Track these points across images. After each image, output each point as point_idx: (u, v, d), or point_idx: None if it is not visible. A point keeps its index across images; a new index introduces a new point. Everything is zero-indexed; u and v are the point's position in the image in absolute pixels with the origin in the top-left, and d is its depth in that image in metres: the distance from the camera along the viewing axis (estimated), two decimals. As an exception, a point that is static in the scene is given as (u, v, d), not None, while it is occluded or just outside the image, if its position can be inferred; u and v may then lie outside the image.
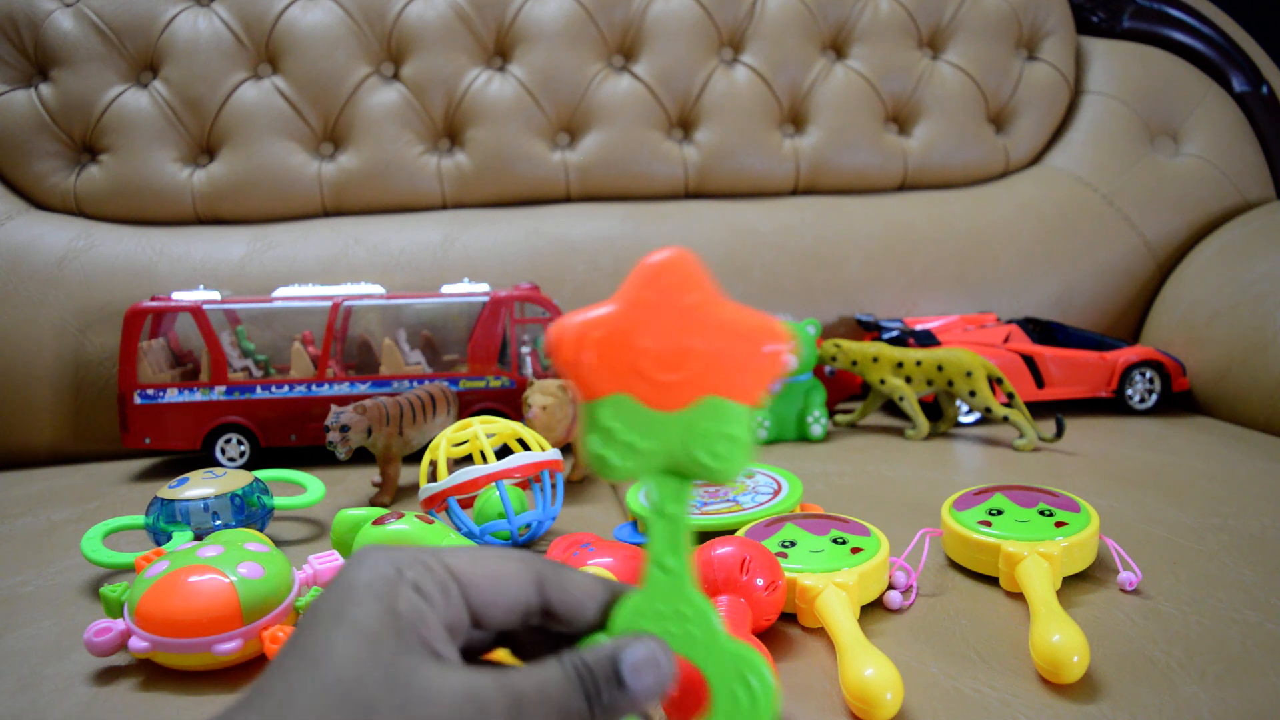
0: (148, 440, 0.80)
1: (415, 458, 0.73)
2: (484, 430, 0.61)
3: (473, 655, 0.25)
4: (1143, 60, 1.13)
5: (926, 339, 0.90)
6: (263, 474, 0.63)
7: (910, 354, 0.81)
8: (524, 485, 0.62)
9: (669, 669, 0.25)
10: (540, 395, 0.68)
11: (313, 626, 0.22)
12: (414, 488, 0.71)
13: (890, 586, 0.47)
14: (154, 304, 0.80)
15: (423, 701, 0.21)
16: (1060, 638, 0.39)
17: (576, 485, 0.72)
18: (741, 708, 0.25)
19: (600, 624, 0.26)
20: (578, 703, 0.23)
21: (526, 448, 0.62)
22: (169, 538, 0.55)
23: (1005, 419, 0.77)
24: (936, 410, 0.84)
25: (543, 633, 0.26)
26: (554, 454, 0.59)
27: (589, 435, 0.26)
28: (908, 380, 0.81)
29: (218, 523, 0.56)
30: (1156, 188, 1.07)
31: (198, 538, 0.53)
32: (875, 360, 0.82)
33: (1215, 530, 0.55)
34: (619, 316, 0.26)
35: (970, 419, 0.84)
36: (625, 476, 0.26)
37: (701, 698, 0.26)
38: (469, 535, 0.55)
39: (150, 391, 0.79)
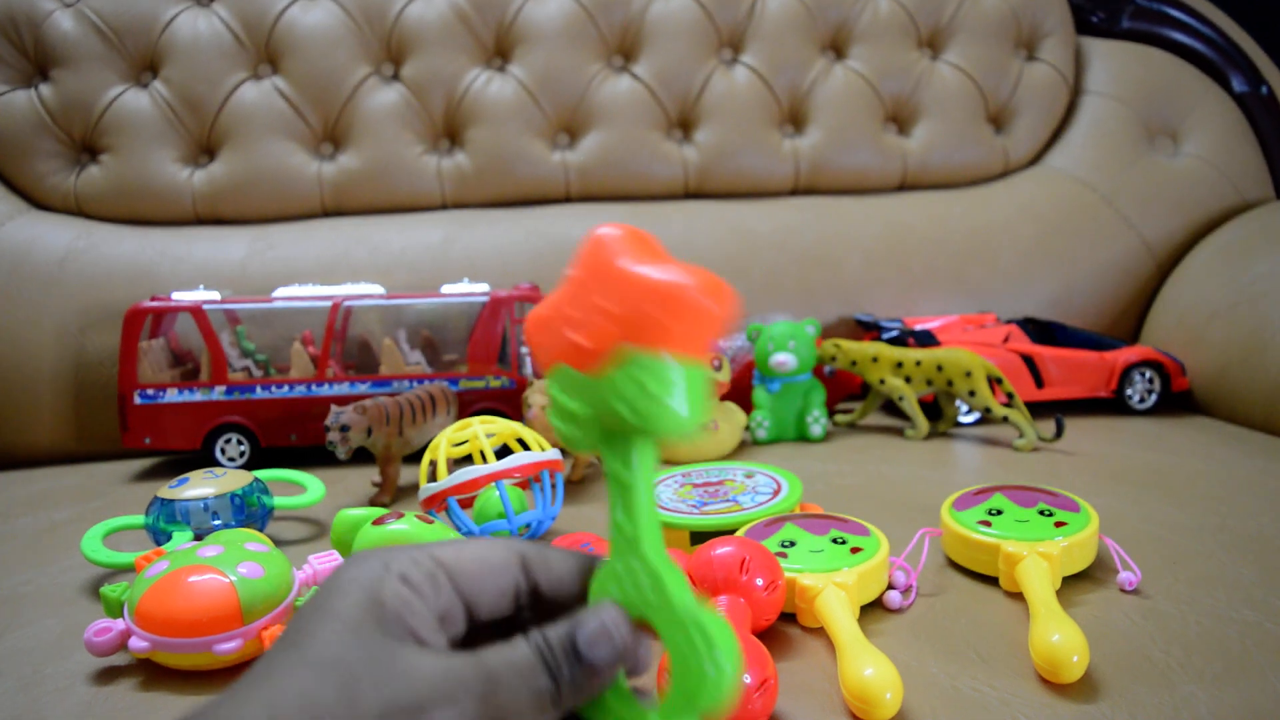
0: (148, 440, 0.80)
1: (415, 458, 0.73)
2: (484, 430, 0.61)
3: (475, 644, 0.26)
4: (1142, 60, 1.13)
5: (926, 339, 0.90)
6: (263, 474, 0.63)
7: (910, 354, 0.81)
8: (524, 485, 0.62)
9: (623, 638, 0.25)
10: (540, 395, 0.68)
11: (300, 619, 0.23)
12: (414, 488, 0.71)
13: (890, 586, 0.47)
14: (154, 304, 0.80)
15: (403, 678, 0.22)
16: (1060, 637, 0.38)
17: (576, 485, 0.72)
18: (694, 668, 0.25)
19: (583, 597, 0.27)
20: (544, 681, 0.24)
21: (526, 448, 0.62)
22: (169, 537, 0.55)
23: (1005, 419, 0.77)
24: (936, 410, 0.84)
25: (540, 615, 0.27)
26: (554, 454, 0.59)
27: (550, 410, 0.27)
28: (907, 380, 0.81)
29: (218, 523, 0.56)
30: (1156, 188, 1.07)
31: (198, 537, 0.53)
32: (875, 360, 0.82)
33: (1214, 530, 0.55)
34: (555, 294, 0.27)
35: (970, 419, 0.84)
36: (579, 445, 0.27)
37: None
38: (469, 535, 0.55)
39: (150, 391, 0.79)
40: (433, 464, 0.61)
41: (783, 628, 0.44)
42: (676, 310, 0.25)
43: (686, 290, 0.25)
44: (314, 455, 0.80)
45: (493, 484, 0.57)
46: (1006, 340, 0.90)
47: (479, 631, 0.26)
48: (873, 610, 0.46)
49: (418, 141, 1.03)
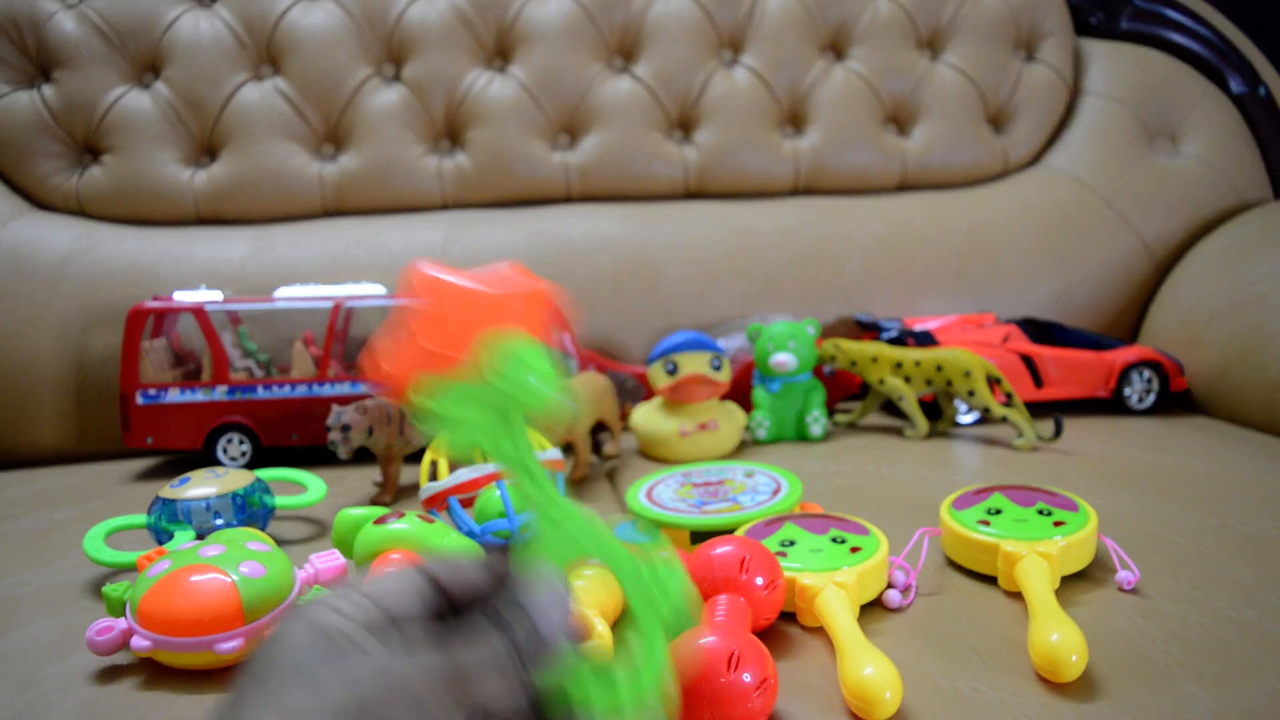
0: (149, 440, 0.80)
1: (416, 457, 0.73)
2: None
3: None
4: (1141, 62, 1.13)
5: (925, 339, 0.90)
6: (264, 473, 0.63)
7: (909, 354, 0.81)
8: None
9: (563, 588, 0.28)
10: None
11: (254, 661, 0.25)
12: (415, 487, 0.71)
13: (889, 586, 0.47)
14: (156, 304, 0.80)
15: (367, 671, 0.24)
16: (1059, 637, 0.39)
17: (577, 485, 0.72)
18: (644, 579, 0.28)
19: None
20: (508, 656, 0.26)
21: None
22: (171, 537, 0.55)
23: (1004, 419, 0.77)
24: (935, 410, 0.84)
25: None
26: (554, 453, 0.59)
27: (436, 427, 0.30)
28: (907, 380, 0.81)
29: (219, 522, 0.56)
30: (1155, 188, 1.07)
31: (199, 537, 0.54)
32: (874, 360, 0.82)
33: (1214, 529, 0.55)
34: (395, 343, 0.30)
35: (969, 419, 0.85)
36: (468, 443, 0.30)
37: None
38: (469, 534, 0.56)
39: (152, 391, 0.79)
40: (434, 463, 0.61)
41: (782, 627, 0.45)
42: (472, 304, 0.29)
43: (518, 285, 0.30)
44: (315, 455, 0.80)
45: (494, 483, 0.57)
46: (1006, 340, 0.90)
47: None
48: (872, 610, 0.46)
49: (418, 142, 1.03)
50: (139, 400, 0.79)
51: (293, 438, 0.81)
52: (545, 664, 0.27)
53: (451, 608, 0.28)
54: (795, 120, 1.11)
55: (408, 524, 0.48)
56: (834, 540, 0.48)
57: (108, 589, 0.44)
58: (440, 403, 0.29)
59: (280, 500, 0.62)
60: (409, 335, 0.30)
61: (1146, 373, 0.88)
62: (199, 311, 0.80)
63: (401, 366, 0.30)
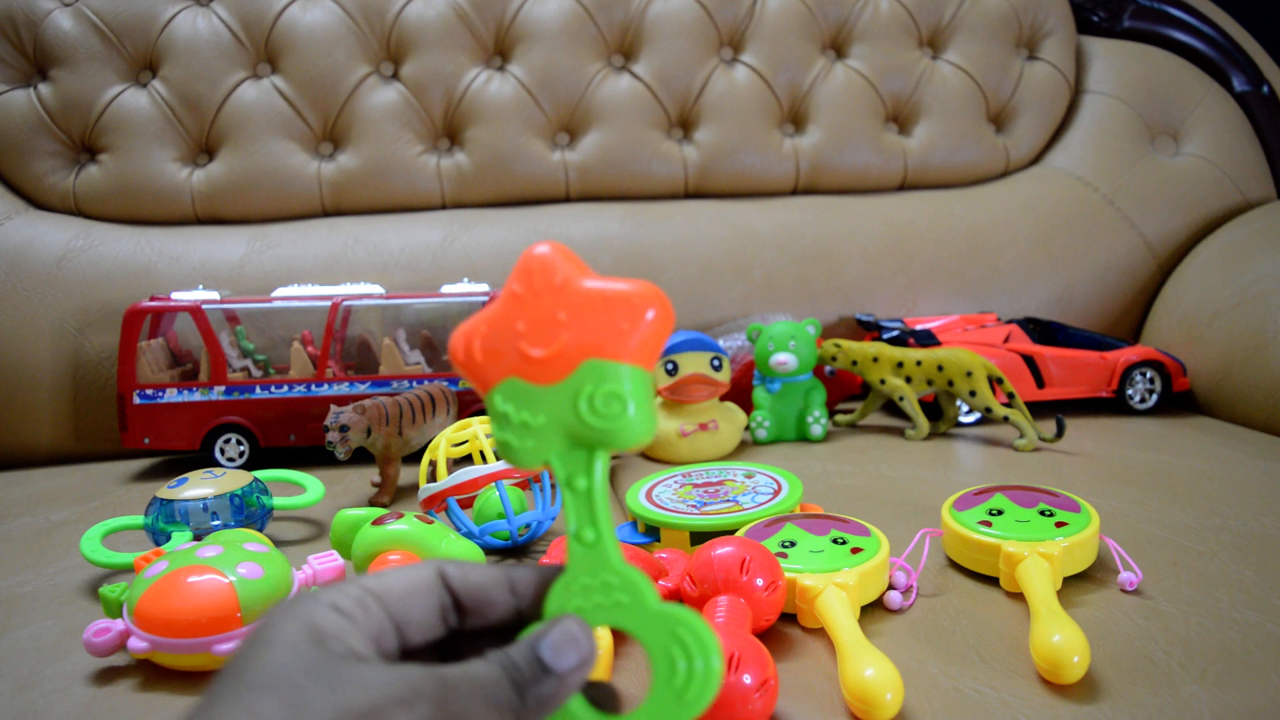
0: (147, 440, 0.80)
1: (415, 458, 0.73)
2: (484, 430, 0.61)
3: None
4: (1143, 60, 1.13)
5: (926, 339, 0.90)
6: (262, 474, 0.63)
7: (910, 354, 0.81)
8: (524, 485, 0.62)
9: (588, 645, 0.25)
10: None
11: (238, 653, 0.23)
12: (413, 488, 0.71)
13: (890, 587, 0.47)
14: (153, 304, 0.80)
15: (352, 685, 0.22)
16: (1061, 638, 0.38)
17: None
18: (679, 671, 0.25)
19: (535, 613, 0.27)
20: (506, 693, 0.24)
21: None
22: (168, 538, 0.55)
23: (1005, 419, 0.77)
24: (937, 410, 0.84)
25: (481, 641, 0.27)
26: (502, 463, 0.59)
27: (493, 426, 0.27)
28: (908, 380, 0.81)
29: (217, 523, 0.56)
30: (1157, 187, 1.07)
31: (197, 538, 0.53)
32: (875, 360, 0.82)
33: (1216, 530, 0.55)
34: (499, 309, 0.27)
35: (970, 419, 0.84)
36: (531, 458, 0.27)
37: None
38: (468, 535, 0.55)
39: (149, 391, 0.79)
40: (432, 464, 0.61)
41: (783, 628, 0.44)
42: (634, 319, 0.26)
43: (643, 300, 0.26)
44: (313, 455, 0.80)
45: (493, 484, 0.57)
46: (1007, 340, 0.90)
47: (415, 657, 0.26)
48: (873, 611, 0.46)
49: (417, 141, 1.03)
50: (136, 400, 0.79)
51: (291, 438, 0.80)
52: (553, 710, 0.25)
53: (460, 617, 0.27)
54: (796, 119, 1.10)
55: (406, 525, 0.48)
56: (835, 541, 0.47)
57: (105, 590, 0.44)
58: (522, 411, 0.26)
59: (278, 501, 0.62)
60: (511, 324, 0.27)
61: (1149, 373, 0.87)
62: (196, 311, 0.79)
63: (495, 358, 0.27)
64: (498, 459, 0.59)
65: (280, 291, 0.82)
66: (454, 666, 0.24)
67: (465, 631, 0.27)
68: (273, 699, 0.21)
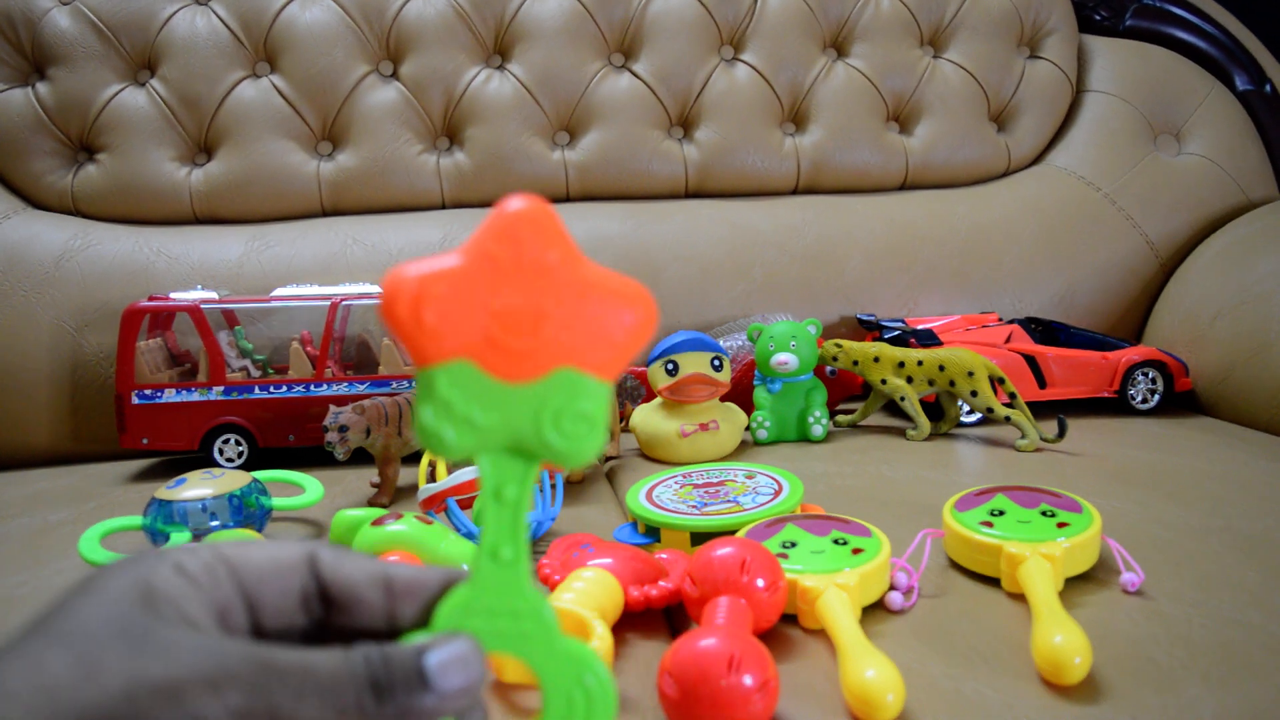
0: (145, 440, 0.79)
1: (414, 458, 0.73)
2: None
3: None
4: (1145, 59, 1.13)
5: (928, 339, 0.90)
6: (261, 474, 0.63)
7: (912, 354, 0.81)
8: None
9: (479, 670, 0.23)
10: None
11: (56, 601, 0.21)
12: (413, 488, 0.71)
13: (891, 587, 0.47)
14: (152, 304, 0.80)
15: (157, 652, 0.19)
16: (1062, 639, 0.38)
17: (576, 486, 0.71)
18: (577, 711, 0.23)
19: (414, 623, 0.24)
20: (356, 695, 0.21)
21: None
22: (167, 538, 0.54)
23: (1007, 419, 0.76)
24: (938, 410, 0.84)
25: (334, 634, 0.24)
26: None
27: (422, 406, 0.23)
28: (909, 380, 0.81)
29: (215, 523, 0.56)
30: (1159, 187, 1.07)
31: (196, 538, 0.53)
32: (876, 360, 0.82)
33: (1218, 531, 0.55)
34: (466, 271, 0.23)
35: (972, 419, 0.84)
36: (460, 455, 0.23)
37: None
38: (468, 536, 0.55)
39: (148, 391, 0.79)
40: (431, 465, 0.61)
41: (784, 629, 0.44)
42: (627, 330, 0.23)
43: (641, 309, 0.23)
44: (312, 456, 0.80)
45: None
46: (1009, 340, 0.89)
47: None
48: (874, 611, 0.46)
49: (417, 140, 1.03)
50: (135, 400, 0.79)
51: (290, 438, 0.80)
52: None
53: (325, 610, 0.24)
54: (796, 118, 1.10)
55: (405, 525, 0.48)
56: (836, 542, 0.47)
57: (101, 591, 0.44)
58: (471, 404, 0.23)
59: (277, 501, 0.61)
60: (481, 295, 0.22)
61: (1151, 373, 0.87)
62: (195, 311, 0.79)
63: (449, 329, 0.22)
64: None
65: (279, 291, 0.82)
66: (290, 650, 0.21)
67: (333, 630, 0.24)
68: (63, 655, 0.19)
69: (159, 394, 0.79)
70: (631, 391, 0.88)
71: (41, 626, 0.20)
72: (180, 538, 0.54)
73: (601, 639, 0.40)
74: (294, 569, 0.23)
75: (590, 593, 0.43)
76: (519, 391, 0.23)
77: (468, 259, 0.23)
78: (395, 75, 1.03)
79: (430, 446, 0.23)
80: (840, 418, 0.86)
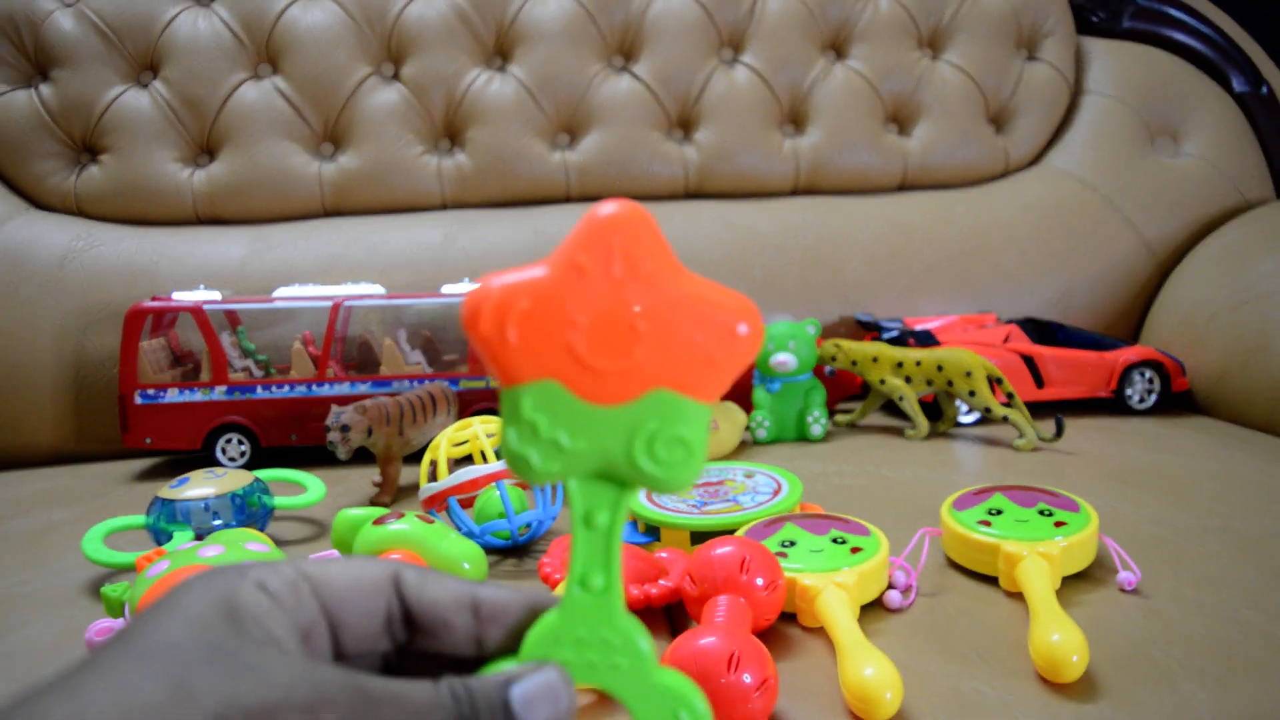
0: (148, 440, 0.80)
1: (416, 457, 0.73)
2: (484, 430, 0.61)
3: None
4: (1143, 60, 1.13)
5: (926, 339, 0.90)
6: (263, 474, 0.63)
7: (910, 354, 0.81)
8: (524, 485, 0.62)
9: (567, 703, 0.21)
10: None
11: (138, 617, 0.20)
12: (414, 487, 0.71)
13: (890, 586, 0.47)
14: (154, 304, 0.80)
15: (248, 676, 0.18)
16: (1060, 637, 0.38)
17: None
18: None
19: (504, 647, 0.23)
20: None
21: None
22: (170, 537, 0.55)
23: (1005, 419, 0.77)
24: (936, 410, 0.84)
25: (434, 670, 0.22)
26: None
27: (506, 427, 0.21)
28: (907, 380, 0.81)
29: (218, 522, 0.56)
30: (1156, 188, 1.07)
31: (198, 537, 0.54)
32: (875, 360, 0.82)
33: (1215, 530, 0.55)
34: (553, 284, 0.21)
35: (970, 419, 0.84)
36: (547, 480, 0.22)
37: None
38: (469, 535, 0.55)
39: (151, 391, 0.79)
40: (433, 464, 0.61)
41: (783, 628, 0.44)
42: (730, 347, 0.21)
43: (747, 324, 0.21)
44: (315, 455, 0.80)
45: (493, 484, 0.57)
46: (1006, 340, 0.90)
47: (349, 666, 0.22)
48: (873, 610, 0.46)
49: (418, 141, 1.03)
50: (138, 400, 0.79)
51: (292, 438, 0.81)
52: None
53: (409, 633, 0.23)
54: (796, 119, 1.10)
55: (407, 524, 0.48)
56: (834, 541, 0.47)
57: (107, 589, 0.44)
58: (558, 427, 0.21)
59: (279, 500, 0.62)
60: (567, 310, 0.21)
61: (1148, 373, 0.87)
62: (197, 311, 0.80)
63: (535, 348, 0.21)
64: (498, 458, 0.59)
65: (281, 292, 0.82)
66: (383, 680, 0.20)
67: (415, 654, 0.23)
68: (154, 674, 0.18)
69: (162, 394, 0.79)
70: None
71: (124, 644, 0.19)
72: (183, 536, 0.54)
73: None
74: (378, 590, 0.22)
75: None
76: (610, 414, 0.21)
77: (555, 270, 0.21)
78: (397, 77, 1.04)
79: (515, 470, 0.22)
80: (839, 417, 0.87)
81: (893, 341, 0.90)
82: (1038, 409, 0.86)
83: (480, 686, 0.21)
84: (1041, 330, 0.94)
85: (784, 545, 0.47)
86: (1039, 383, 0.88)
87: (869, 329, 0.96)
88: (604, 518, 0.22)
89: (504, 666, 0.22)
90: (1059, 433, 0.76)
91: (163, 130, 0.98)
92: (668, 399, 0.21)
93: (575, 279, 0.21)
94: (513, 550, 0.57)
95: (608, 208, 0.21)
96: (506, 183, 1.04)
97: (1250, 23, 1.15)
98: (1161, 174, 1.08)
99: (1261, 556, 0.51)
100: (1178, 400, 0.90)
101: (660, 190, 1.07)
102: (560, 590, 0.24)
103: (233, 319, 0.85)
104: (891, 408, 0.91)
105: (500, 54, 1.06)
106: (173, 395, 0.79)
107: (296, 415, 0.80)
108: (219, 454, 0.80)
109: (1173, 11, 1.14)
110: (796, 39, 1.08)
